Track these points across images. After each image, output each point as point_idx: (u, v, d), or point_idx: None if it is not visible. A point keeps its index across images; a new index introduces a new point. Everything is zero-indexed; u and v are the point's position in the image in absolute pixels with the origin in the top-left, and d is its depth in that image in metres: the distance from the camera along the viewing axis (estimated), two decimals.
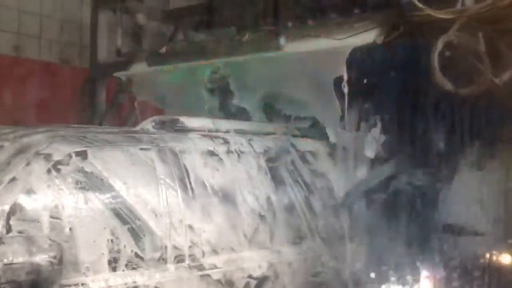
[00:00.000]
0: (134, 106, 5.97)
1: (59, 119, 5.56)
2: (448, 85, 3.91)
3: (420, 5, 3.91)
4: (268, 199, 3.78)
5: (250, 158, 3.83)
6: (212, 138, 3.74)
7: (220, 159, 3.65)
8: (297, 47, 4.48)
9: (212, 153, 3.63)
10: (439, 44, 3.85)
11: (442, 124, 4.47)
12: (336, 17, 4.66)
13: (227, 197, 3.55)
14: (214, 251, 3.34)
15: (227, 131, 3.93)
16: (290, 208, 3.90)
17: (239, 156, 3.78)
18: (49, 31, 7.17)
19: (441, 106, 4.43)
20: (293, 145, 4.24)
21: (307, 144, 4.38)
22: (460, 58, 3.98)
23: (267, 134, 4.21)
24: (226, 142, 3.78)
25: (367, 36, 4.18)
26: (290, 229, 3.83)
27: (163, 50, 5.61)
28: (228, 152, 3.73)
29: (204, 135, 3.75)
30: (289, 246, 3.78)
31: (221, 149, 3.70)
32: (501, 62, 3.97)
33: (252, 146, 3.92)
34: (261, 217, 3.68)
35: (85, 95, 6.29)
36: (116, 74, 6.00)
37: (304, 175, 4.14)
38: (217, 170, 3.59)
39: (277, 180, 3.91)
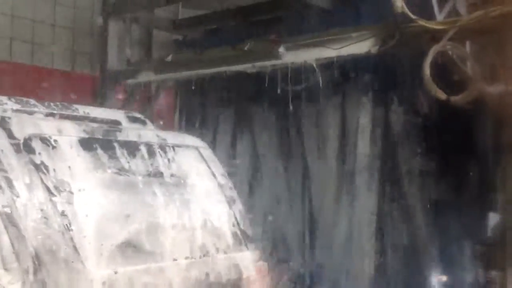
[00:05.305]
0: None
1: None
2: (440, 93, 4.02)
3: (413, 16, 4.04)
4: None
5: None
6: None
7: None
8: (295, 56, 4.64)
9: None
10: (431, 53, 3.97)
11: None
12: (334, 27, 4.79)
13: None
14: None
15: None
16: None
17: None
18: (61, 40, 7.36)
19: None
20: None
21: None
22: (451, 67, 4.10)
23: None
24: None
25: (362, 45, 4.32)
26: None
27: (169, 58, 5.80)
28: None
29: None
30: None
31: None
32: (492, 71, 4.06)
33: None
34: None
35: (96, 102, 6.45)
36: (126, 81, 6.22)
37: None
38: None
39: None
